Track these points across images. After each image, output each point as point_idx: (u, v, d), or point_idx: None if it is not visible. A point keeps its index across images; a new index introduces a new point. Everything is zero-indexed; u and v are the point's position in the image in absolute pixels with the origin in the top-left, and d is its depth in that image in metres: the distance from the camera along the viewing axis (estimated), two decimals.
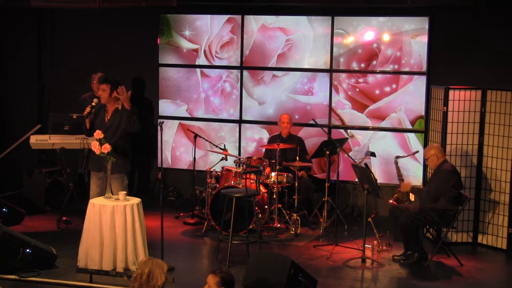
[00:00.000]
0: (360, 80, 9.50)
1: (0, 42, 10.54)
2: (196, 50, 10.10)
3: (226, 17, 9.93)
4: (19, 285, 6.49)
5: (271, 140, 9.26)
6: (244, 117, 9.99)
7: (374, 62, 9.41)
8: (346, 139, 9.27)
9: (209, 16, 9.99)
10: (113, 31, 10.40)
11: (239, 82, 9.96)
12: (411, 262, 7.47)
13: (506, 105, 7.94)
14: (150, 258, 4.88)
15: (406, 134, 9.37)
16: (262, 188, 8.32)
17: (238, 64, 9.94)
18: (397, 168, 8.03)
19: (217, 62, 10.04)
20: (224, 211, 7.65)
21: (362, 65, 9.47)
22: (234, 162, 8.71)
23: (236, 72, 9.98)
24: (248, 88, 9.95)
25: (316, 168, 9.64)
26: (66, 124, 9.01)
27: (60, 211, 8.73)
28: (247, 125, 10.00)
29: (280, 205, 8.56)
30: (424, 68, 9.21)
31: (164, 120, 9.50)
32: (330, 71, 9.59)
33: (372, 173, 7.44)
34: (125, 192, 7.03)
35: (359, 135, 9.56)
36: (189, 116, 10.22)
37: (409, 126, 9.35)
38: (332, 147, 8.41)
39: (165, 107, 10.30)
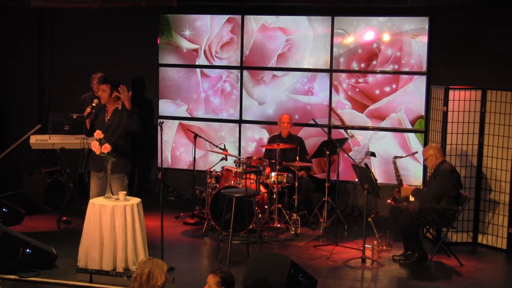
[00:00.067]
0: (360, 80, 9.50)
1: (0, 42, 10.54)
2: (196, 50, 10.10)
3: (226, 17, 9.93)
4: (19, 285, 6.49)
5: (271, 140, 9.26)
6: (244, 117, 9.99)
7: (374, 62, 9.41)
8: (346, 139, 9.27)
9: (209, 16, 9.99)
10: (113, 31, 10.40)
11: (239, 82, 9.96)
12: (411, 262, 7.47)
13: (506, 105, 7.94)
14: (150, 258, 4.88)
15: (406, 134, 9.37)
16: (262, 188, 8.32)
17: (238, 64, 9.94)
18: (396, 168, 8.01)
19: (217, 62, 10.04)
20: (224, 211, 7.65)
21: (362, 65, 9.47)
22: (234, 162, 8.71)
23: (236, 72, 9.98)
24: (248, 88, 9.95)
25: (316, 168, 9.64)
26: (66, 124, 9.01)
27: (60, 211, 8.73)
28: (247, 125, 10.00)
29: (280, 205, 8.56)
30: (424, 68, 9.21)
31: (164, 120, 9.50)
32: (330, 71, 9.59)
33: (372, 173, 7.44)
34: (125, 192, 7.03)
35: (359, 135, 9.56)
36: (189, 116, 10.22)
37: (409, 126, 9.35)
38: (332, 147, 8.41)
39: (165, 107, 10.30)
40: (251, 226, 8.00)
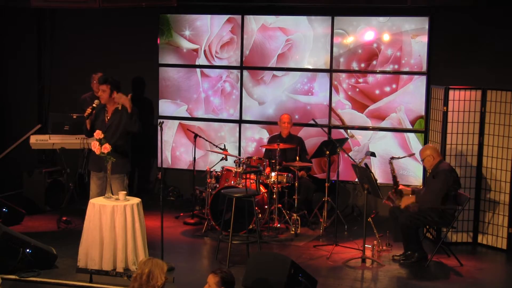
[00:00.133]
0: (360, 80, 9.50)
1: (0, 42, 10.54)
2: (196, 50, 10.10)
3: (226, 17, 9.93)
4: (19, 285, 6.49)
5: (271, 140, 9.26)
6: (244, 117, 9.99)
7: (374, 62, 9.41)
8: (346, 139, 9.27)
9: (209, 16, 9.99)
10: (113, 31, 10.40)
11: (239, 82, 9.96)
12: (411, 262, 7.47)
13: (506, 105, 7.94)
14: (150, 258, 4.88)
15: (406, 134, 9.37)
16: (262, 188, 8.32)
17: (238, 64, 9.94)
18: (392, 169, 7.95)
19: (217, 62, 10.04)
20: (224, 211, 7.65)
21: (362, 65, 9.47)
22: (234, 162, 8.71)
23: (236, 72, 9.98)
24: (248, 88, 9.95)
25: (316, 168, 9.64)
26: (66, 124, 9.01)
27: (60, 211, 8.73)
28: (247, 125, 10.00)
29: (280, 205, 8.56)
30: (424, 68, 9.21)
31: (164, 120, 9.50)
32: (330, 71, 9.59)
33: (372, 173, 7.44)
34: (125, 192, 7.03)
35: (359, 135, 9.56)
36: (189, 116, 10.22)
37: (409, 126, 9.34)
38: (332, 147, 8.41)
39: (165, 107, 10.30)
40: (251, 226, 8.00)
